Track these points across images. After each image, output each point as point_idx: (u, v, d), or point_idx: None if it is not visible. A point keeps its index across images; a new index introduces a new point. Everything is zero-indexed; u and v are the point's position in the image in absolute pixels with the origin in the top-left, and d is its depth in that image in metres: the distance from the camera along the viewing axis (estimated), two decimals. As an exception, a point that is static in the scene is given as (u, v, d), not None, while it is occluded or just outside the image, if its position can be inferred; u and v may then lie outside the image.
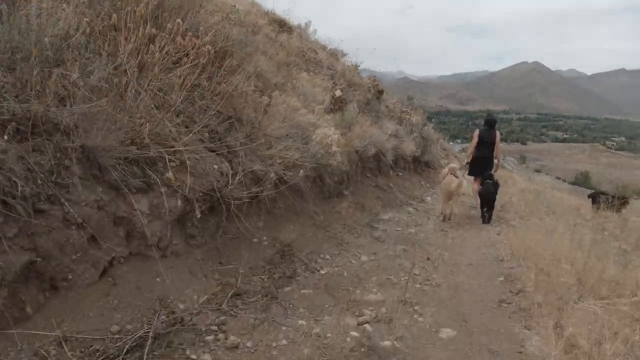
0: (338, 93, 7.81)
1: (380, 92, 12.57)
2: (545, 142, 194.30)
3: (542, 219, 9.30)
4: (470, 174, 8.38)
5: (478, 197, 7.90)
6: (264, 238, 3.97)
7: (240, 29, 6.23)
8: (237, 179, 3.62)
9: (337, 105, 7.81)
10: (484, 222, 7.64)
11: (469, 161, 8.27)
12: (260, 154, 4.15)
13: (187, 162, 3.32)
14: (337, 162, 4.46)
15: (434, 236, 6.24)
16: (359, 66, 13.99)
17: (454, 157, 20.60)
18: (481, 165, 8.05)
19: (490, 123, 8.19)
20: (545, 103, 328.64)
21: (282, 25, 11.84)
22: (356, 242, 5.15)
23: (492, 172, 8.03)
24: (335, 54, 14.79)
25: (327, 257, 4.43)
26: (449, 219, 7.44)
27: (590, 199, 14.02)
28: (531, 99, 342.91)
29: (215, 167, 3.62)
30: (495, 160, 8.24)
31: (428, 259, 4.97)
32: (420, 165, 12.03)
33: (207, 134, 3.93)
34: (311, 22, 14.87)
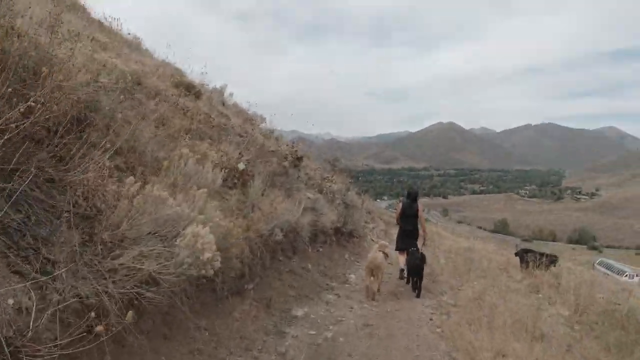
0: (241, 166, 6.77)
1: (299, 159, 11.77)
2: (464, 194, 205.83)
3: (473, 287, 8.76)
4: (396, 248, 8.50)
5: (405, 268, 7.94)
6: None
7: (111, 93, 5.09)
8: (44, 317, 2.34)
9: (241, 180, 6.75)
10: (414, 290, 7.54)
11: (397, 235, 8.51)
12: (97, 268, 2.90)
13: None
14: (214, 270, 3.29)
15: (356, 337, 5.14)
16: (273, 131, 13.23)
17: (380, 219, 20.10)
18: (407, 237, 8.21)
19: (413, 196, 8.34)
20: (461, 159, 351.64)
21: (189, 88, 10.86)
22: (253, 368, 3.90)
23: (419, 243, 8.19)
24: (252, 120, 13.93)
25: (201, 410, 3.15)
26: (373, 299, 6.91)
27: (518, 257, 13.91)
28: (448, 155, 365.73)
29: (11, 302, 2.32)
30: (423, 231, 8.35)
31: (346, 383, 3.85)
32: (344, 236, 11.11)
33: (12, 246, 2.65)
34: (227, 86, 14.06)
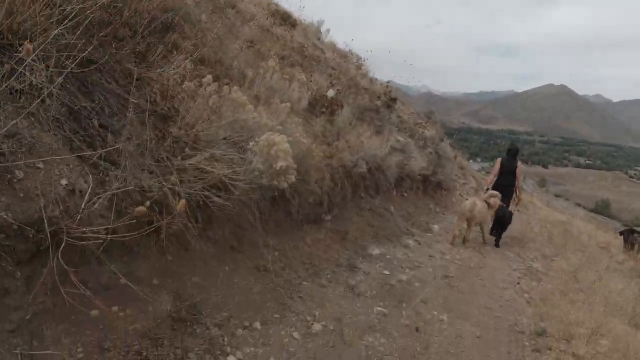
0: (331, 93, 6.38)
1: (393, 100, 11.14)
2: (567, 166, 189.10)
3: (569, 260, 7.94)
4: None
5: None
6: (145, 293, 2.44)
7: (202, 4, 4.86)
8: (98, 202, 2.19)
9: (330, 109, 6.38)
10: (494, 239, 7.54)
11: (488, 188, 7.99)
12: (166, 164, 2.73)
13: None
14: (289, 182, 2.99)
15: (433, 285, 4.72)
16: (368, 71, 12.55)
17: (472, 177, 18.91)
18: (502, 193, 7.64)
19: (513, 152, 8.09)
20: (570, 127, 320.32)
21: (284, 18, 10.53)
22: (318, 295, 3.65)
23: (514, 201, 8.02)
24: (346, 56, 13.34)
25: (257, 326, 2.92)
26: (457, 242, 6.81)
27: (622, 236, 12.51)
28: (555, 122, 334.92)
29: (64, 182, 2.20)
30: (517, 190, 8.05)
31: (417, 330, 3.48)
32: (432, 185, 10.47)
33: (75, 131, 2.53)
34: (324, 22, 13.48)
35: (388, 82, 12.03)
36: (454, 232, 6.85)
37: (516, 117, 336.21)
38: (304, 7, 11.79)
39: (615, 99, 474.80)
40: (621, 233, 12.57)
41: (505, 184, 7.81)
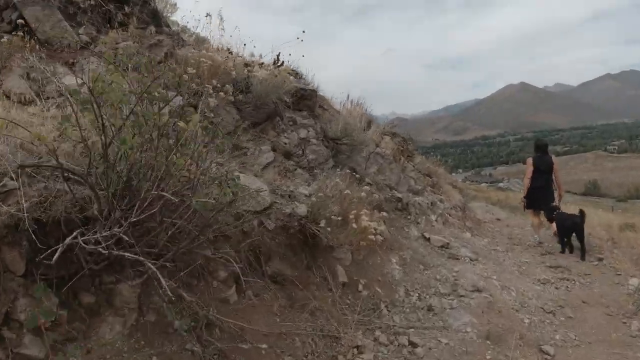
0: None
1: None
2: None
3: None
4: (528, 207, 7.39)
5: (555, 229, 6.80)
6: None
7: None
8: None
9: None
10: (562, 251, 6.40)
11: (526, 195, 7.21)
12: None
13: None
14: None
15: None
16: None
17: (452, 187, 13.02)
18: (540, 196, 6.90)
19: (543, 148, 7.26)
20: (538, 120, 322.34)
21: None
22: None
23: (556, 203, 6.90)
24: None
25: None
26: None
27: None
28: (523, 118, 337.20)
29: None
30: (557, 190, 7.12)
31: None
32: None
33: None
34: None
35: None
36: None
37: (485, 123, 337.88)
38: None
39: (575, 83, 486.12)
40: None
41: (545, 186, 6.95)
